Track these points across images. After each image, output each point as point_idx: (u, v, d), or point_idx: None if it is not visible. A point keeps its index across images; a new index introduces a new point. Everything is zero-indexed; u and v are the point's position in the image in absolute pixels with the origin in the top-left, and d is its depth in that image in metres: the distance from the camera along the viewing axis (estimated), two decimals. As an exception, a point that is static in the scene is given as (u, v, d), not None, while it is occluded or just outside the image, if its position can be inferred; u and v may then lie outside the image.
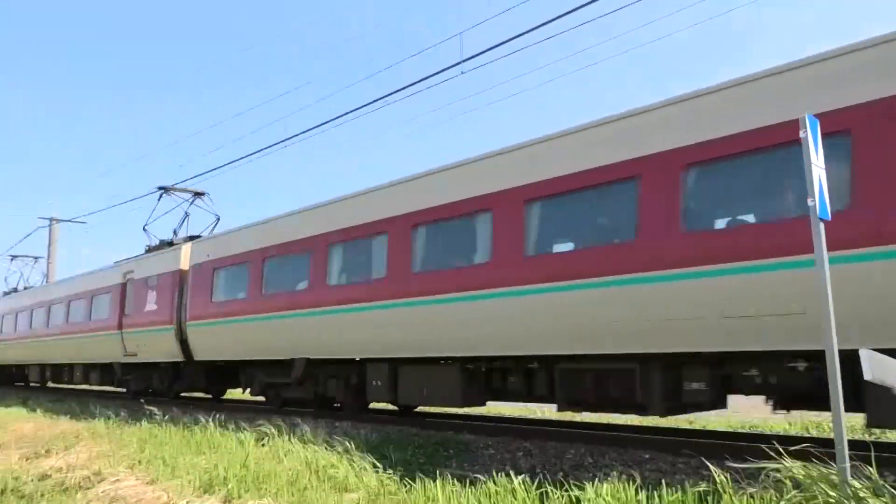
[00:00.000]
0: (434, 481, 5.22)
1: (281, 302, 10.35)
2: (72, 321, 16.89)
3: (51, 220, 28.31)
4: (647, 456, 5.96)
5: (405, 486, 5.41)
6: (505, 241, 6.97)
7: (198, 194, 16.31)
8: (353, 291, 9.22)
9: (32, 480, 7.35)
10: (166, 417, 10.04)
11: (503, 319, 6.86)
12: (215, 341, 11.99)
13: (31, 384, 22.25)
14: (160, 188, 16.60)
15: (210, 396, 15.81)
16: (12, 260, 29.02)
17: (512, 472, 5.21)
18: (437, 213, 8.09)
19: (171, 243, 14.77)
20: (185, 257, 13.31)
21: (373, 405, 11.65)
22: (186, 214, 15.96)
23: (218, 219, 16.06)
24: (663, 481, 4.74)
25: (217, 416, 9.75)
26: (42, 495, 6.77)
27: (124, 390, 17.62)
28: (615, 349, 5.60)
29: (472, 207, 7.56)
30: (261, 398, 14.81)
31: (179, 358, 13.05)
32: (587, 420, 10.32)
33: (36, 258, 29.00)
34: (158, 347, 13.45)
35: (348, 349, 9.47)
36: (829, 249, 3.97)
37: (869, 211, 4.30)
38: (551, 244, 6.52)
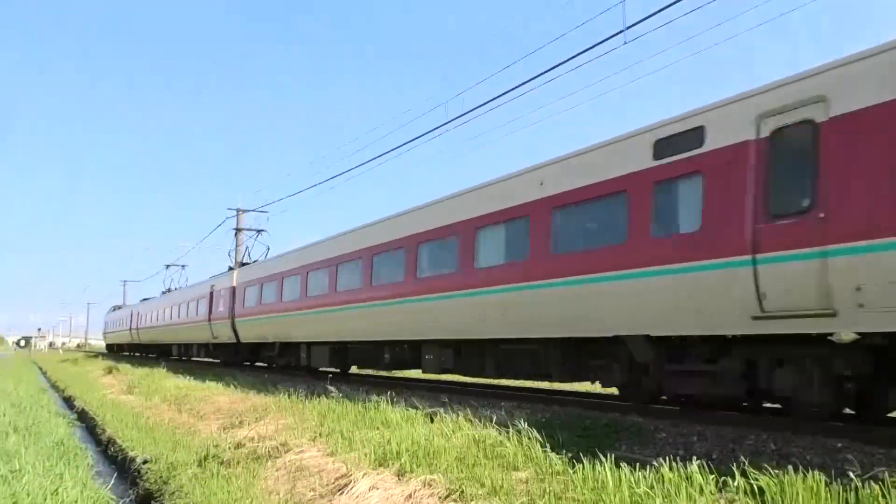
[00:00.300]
0: (603, 464, 5.36)
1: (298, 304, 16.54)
2: (186, 315, 27.68)
3: (237, 210, 33.76)
4: (839, 445, 5.73)
5: (573, 468, 5.60)
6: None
7: None
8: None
9: (229, 448, 8.75)
10: (341, 395, 11.27)
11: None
12: (252, 329, 19.93)
13: (172, 358, 33.91)
14: None
15: (384, 374, 19.22)
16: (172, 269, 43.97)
17: (686, 458, 5.24)
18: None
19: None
20: (235, 278, 22.28)
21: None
22: None
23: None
24: (854, 476, 4.49)
25: (389, 393, 10.74)
26: (238, 462, 8.06)
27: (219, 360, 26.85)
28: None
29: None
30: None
31: (233, 340, 21.86)
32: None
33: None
34: (225, 333, 22.29)
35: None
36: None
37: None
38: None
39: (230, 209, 34.73)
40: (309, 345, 17.14)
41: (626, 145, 7.94)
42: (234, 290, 22.22)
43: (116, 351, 48.99)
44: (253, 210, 34.26)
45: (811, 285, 5.68)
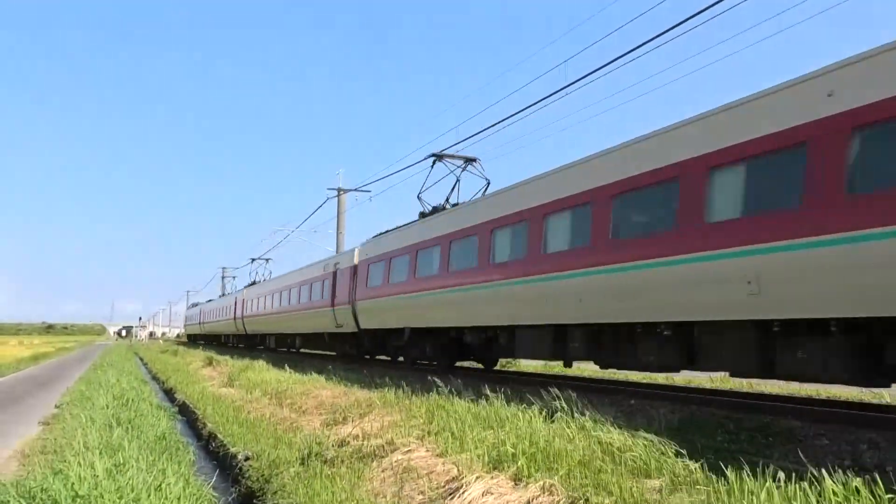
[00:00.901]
0: (752, 475, 5.28)
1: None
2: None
3: (338, 190, 36.08)
4: None
5: (715, 478, 5.56)
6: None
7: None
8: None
9: (333, 446, 9.37)
10: (449, 389, 11.71)
11: None
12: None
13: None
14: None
15: (482, 367, 19.11)
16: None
17: (853, 469, 5.12)
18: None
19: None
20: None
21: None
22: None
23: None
24: None
25: (503, 389, 11.03)
26: (342, 461, 8.64)
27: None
28: None
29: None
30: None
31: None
32: None
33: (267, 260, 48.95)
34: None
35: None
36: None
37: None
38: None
39: (330, 189, 36.40)
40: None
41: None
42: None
43: (210, 343, 55.72)
44: (354, 189, 35.69)
45: None
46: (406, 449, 8.26)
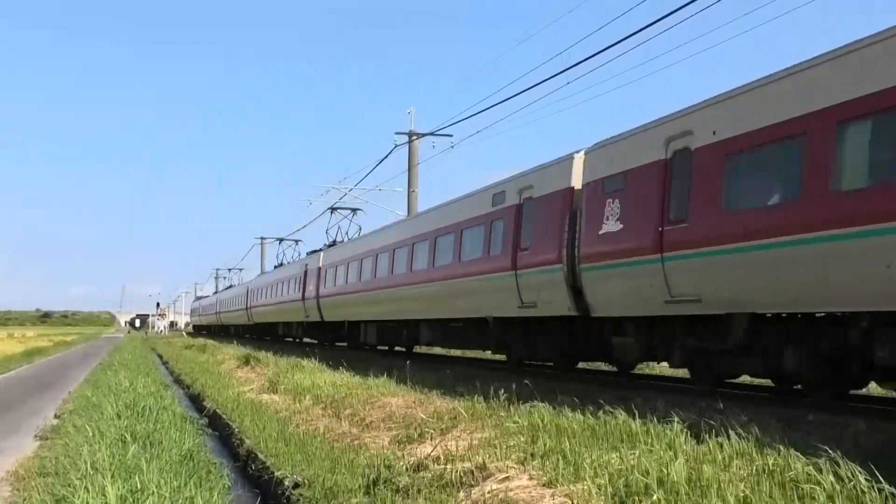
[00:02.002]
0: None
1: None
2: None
3: (410, 134, 36.55)
4: None
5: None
6: None
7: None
8: None
9: (407, 471, 9.54)
10: (559, 398, 11.72)
11: None
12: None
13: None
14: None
15: (615, 370, 18.35)
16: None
17: None
18: None
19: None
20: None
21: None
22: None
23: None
24: None
25: (636, 400, 10.96)
26: (419, 491, 8.80)
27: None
28: None
29: None
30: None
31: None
32: None
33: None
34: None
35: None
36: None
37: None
38: None
39: (399, 133, 36.71)
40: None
41: None
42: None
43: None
44: (431, 133, 35.89)
45: None
46: (503, 476, 8.34)
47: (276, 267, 54.82)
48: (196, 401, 23.18)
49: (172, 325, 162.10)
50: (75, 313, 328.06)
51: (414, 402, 14.34)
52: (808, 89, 10.62)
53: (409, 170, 37.50)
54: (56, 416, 18.10)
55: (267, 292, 48.82)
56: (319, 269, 35.99)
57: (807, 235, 10.14)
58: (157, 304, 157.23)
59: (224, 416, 17.64)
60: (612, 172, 14.56)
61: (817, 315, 11.02)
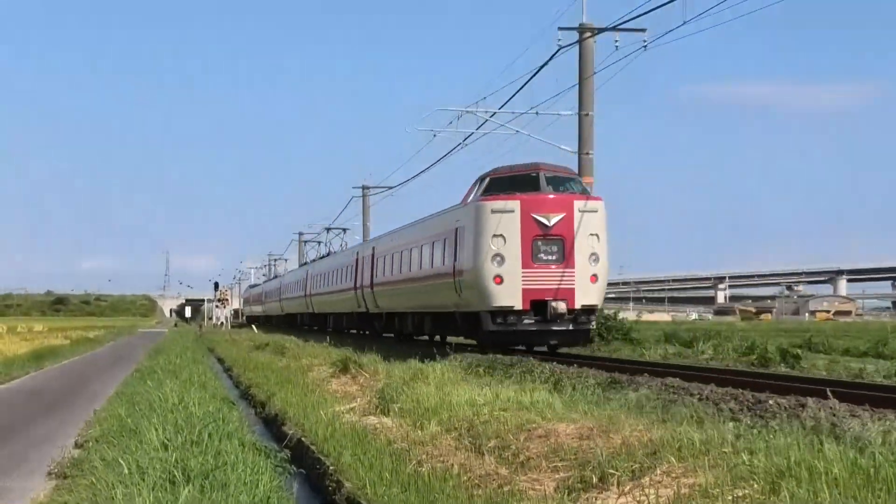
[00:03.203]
0: None
1: None
2: None
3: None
4: None
5: None
6: None
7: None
8: None
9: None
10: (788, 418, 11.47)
11: None
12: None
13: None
14: None
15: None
16: (328, 232, 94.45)
17: None
18: None
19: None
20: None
21: None
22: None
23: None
24: None
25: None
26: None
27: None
28: None
29: None
30: None
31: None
32: None
33: (345, 230, 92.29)
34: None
35: None
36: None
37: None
38: None
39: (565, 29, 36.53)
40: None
41: None
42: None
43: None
44: (615, 27, 35.51)
45: None
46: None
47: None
48: (273, 425, 23.63)
49: (237, 314, 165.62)
50: (100, 297, 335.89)
51: (591, 429, 14.30)
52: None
53: (581, 82, 37.25)
54: (77, 445, 18.64)
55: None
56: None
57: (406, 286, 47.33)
58: (216, 286, 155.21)
59: (313, 448, 17.89)
60: (365, 254, 58.09)
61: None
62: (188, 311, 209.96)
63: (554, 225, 36.19)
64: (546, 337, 37.61)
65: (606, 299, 43.69)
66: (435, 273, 43.77)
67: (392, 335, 56.70)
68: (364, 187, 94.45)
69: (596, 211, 37.14)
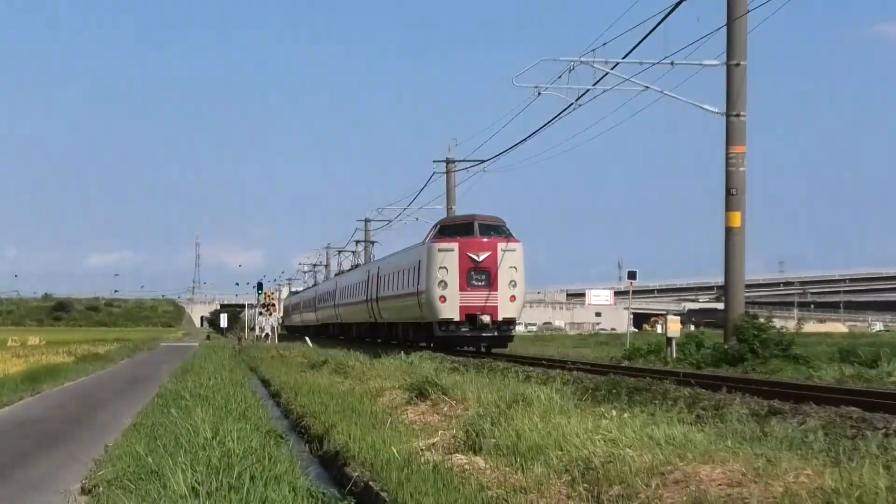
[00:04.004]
0: None
1: None
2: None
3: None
4: None
5: None
6: None
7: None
8: None
9: None
10: None
11: None
12: None
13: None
14: None
15: None
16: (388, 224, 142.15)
17: None
18: None
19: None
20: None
21: None
22: None
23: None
24: None
25: None
26: None
27: None
28: None
29: None
30: None
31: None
32: None
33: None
34: None
35: None
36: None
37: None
38: None
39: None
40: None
41: None
42: None
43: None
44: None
45: None
46: None
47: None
48: (334, 465, 23.63)
49: (284, 320, 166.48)
50: (111, 303, 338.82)
51: (744, 473, 14.25)
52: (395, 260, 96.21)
53: (730, 24, 37.10)
54: (84, 491, 18.83)
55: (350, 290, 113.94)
56: (378, 274, 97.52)
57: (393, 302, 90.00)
58: (259, 288, 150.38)
59: (385, 496, 17.95)
60: (373, 272, 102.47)
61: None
62: (224, 320, 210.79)
63: (482, 260, 69.03)
64: (478, 341, 71.31)
65: (758, 303, 54.23)
66: (408, 293, 78.51)
67: (395, 342, 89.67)
68: (448, 161, 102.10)
69: (514, 250, 69.99)
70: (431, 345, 73.43)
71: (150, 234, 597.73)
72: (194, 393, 37.43)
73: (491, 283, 69.34)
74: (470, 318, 69.72)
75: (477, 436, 21.61)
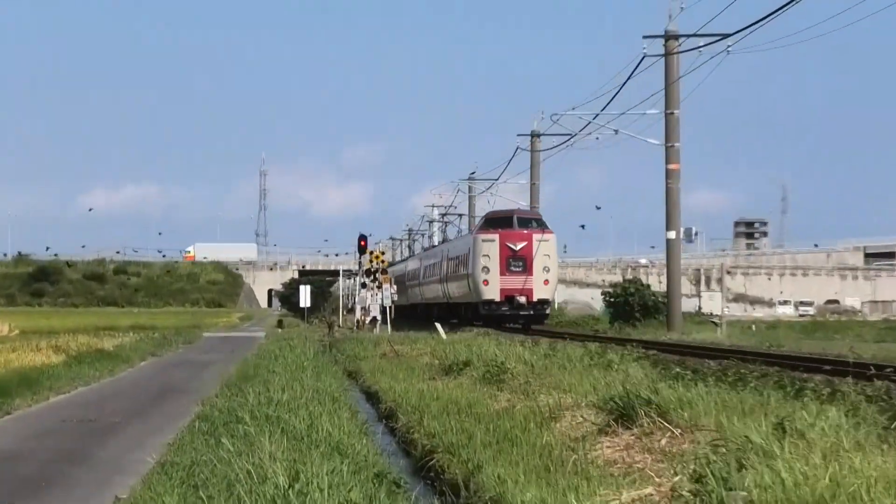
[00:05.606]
0: None
1: None
2: None
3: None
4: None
5: None
6: None
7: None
8: None
9: None
10: None
11: None
12: None
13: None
14: None
15: None
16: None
17: None
18: None
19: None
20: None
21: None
22: None
23: None
24: None
25: None
26: None
27: None
28: None
29: None
30: None
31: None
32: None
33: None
34: None
35: None
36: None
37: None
38: None
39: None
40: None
41: None
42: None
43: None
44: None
45: None
46: None
47: None
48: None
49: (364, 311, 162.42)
50: (125, 268, 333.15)
51: None
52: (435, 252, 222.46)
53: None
54: None
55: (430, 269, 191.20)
56: (446, 257, 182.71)
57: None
58: (362, 245, 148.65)
59: None
60: (444, 254, 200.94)
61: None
62: (305, 296, 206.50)
63: (519, 249, 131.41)
64: (516, 319, 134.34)
65: None
66: (462, 275, 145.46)
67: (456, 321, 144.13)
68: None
69: (548, 240, 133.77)
70: (479, 322, 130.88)
71: (184, 159, 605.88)
72: (258, 413, 37.83)
73: (527, 269, 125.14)
74: (509, 298, 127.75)
75: (716, 487, 21.07)
